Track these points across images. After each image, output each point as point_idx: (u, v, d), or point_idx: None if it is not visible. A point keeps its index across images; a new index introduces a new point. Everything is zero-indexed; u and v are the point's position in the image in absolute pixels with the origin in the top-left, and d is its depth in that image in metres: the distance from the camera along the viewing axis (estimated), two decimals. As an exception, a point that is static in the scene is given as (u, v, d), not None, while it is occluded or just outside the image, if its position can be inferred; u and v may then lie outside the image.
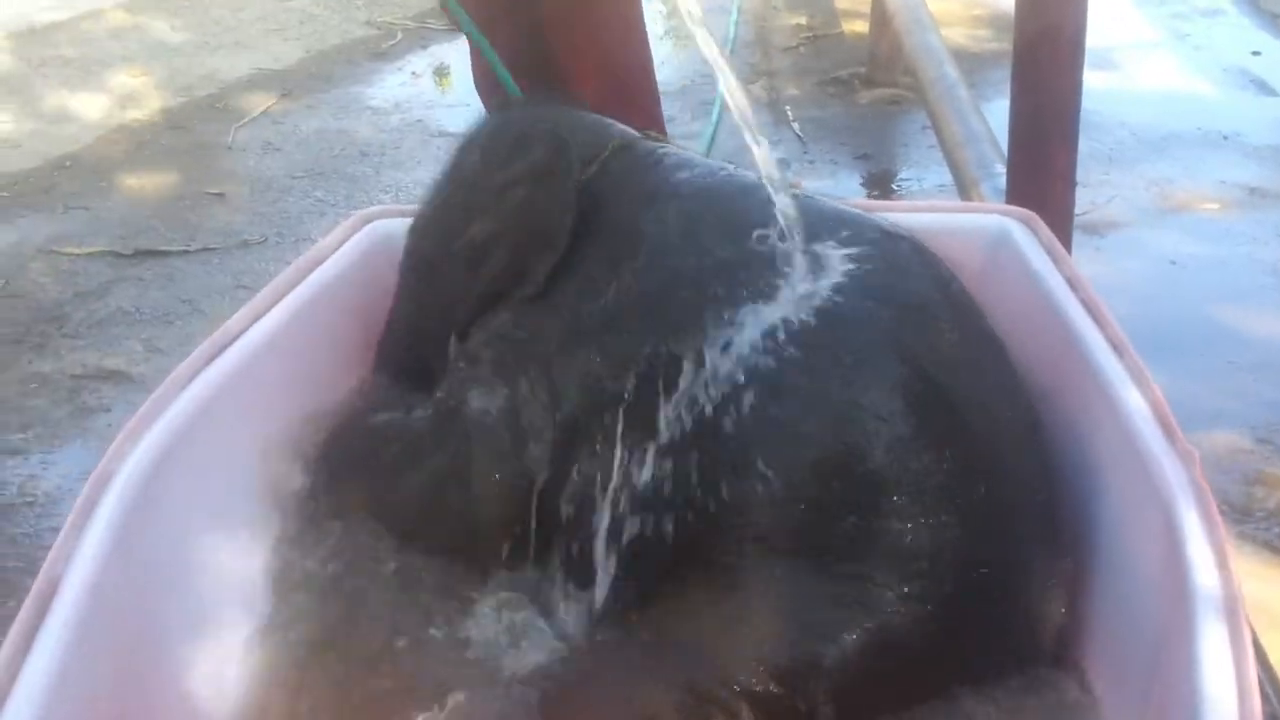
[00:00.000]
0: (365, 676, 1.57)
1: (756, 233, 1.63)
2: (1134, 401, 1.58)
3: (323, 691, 1.56)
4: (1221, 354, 3.15)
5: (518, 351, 1.74)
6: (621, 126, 2.04)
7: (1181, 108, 4.95)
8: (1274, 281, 3.52)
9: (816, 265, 1.59)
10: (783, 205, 1.63)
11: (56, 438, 3.01)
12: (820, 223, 1.67)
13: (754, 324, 1.51)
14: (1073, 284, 1.89)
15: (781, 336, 1.48)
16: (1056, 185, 2.63)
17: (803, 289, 1.55)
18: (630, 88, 2.67)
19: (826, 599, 1.37)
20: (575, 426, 1.61)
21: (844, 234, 1.66)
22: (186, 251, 3.96)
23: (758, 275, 1.58)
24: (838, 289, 1.55)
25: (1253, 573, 2.39)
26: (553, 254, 1.77)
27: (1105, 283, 3.45)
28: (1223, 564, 1.31)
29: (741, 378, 1.46)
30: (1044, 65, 2.58)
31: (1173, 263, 3.65)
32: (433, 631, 1.61)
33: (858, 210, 1.83)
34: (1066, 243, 2.62)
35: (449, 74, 5.82)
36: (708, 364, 1.48)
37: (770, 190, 1.65)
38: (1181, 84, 5.29)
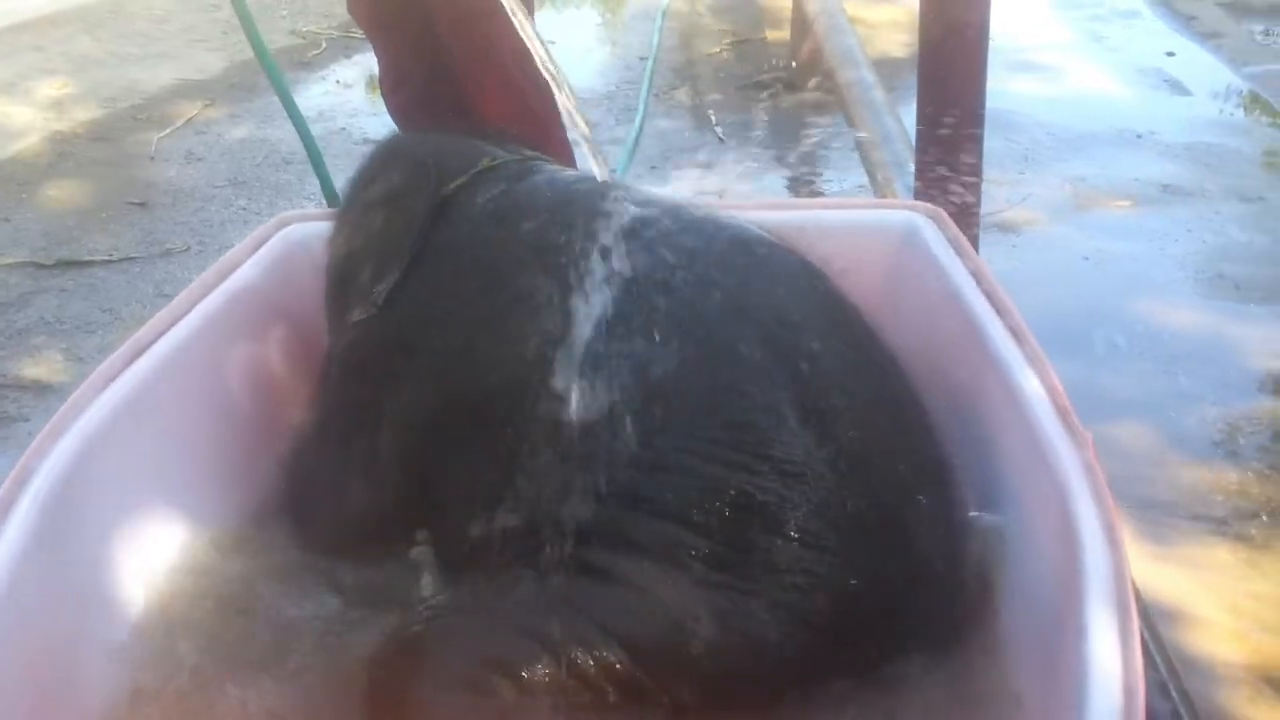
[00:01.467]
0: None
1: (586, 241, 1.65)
2: (1030, 386, 1.61)
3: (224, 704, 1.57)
4: (1132, 346, 3.20)
5: (359, 367, 1.83)
6: (497, 149, 2.05)
7: (1097, 108, 5.03)
8: (1184, 275, 3.59)
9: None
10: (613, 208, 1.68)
11: (-26, 445, 3.00)
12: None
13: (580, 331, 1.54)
14: (977, 276, 1.91)
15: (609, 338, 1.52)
16: (962, 182, 2.68)
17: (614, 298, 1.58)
18: (528, 96, 2.69)
19: (700, 600, 1.37)
20: (420, 437, 1.68)
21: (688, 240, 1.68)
22: (108, 261, 3.94)
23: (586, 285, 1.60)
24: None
25: (1157, 555, 2.43)
26: (393, 273, 1.81)
27: (1021, 278, 3.53)
28: (1112, 541, 1.34)
29: (576, 382, 1.49)
30: (948, 65, 2.63)
31: (1086, 258, 3.71)
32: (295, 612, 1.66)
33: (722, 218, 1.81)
34: (973, 237, 2.67)
35: (375, 83, 5.83)
36: (543, 372, 1.52)
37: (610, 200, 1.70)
38: (1098, 85, 5.37)
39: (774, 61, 5.81)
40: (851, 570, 1.40)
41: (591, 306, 1.55)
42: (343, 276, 1.95)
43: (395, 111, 2.97)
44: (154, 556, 1.72)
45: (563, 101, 1.96)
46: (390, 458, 1.73)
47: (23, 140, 5.07)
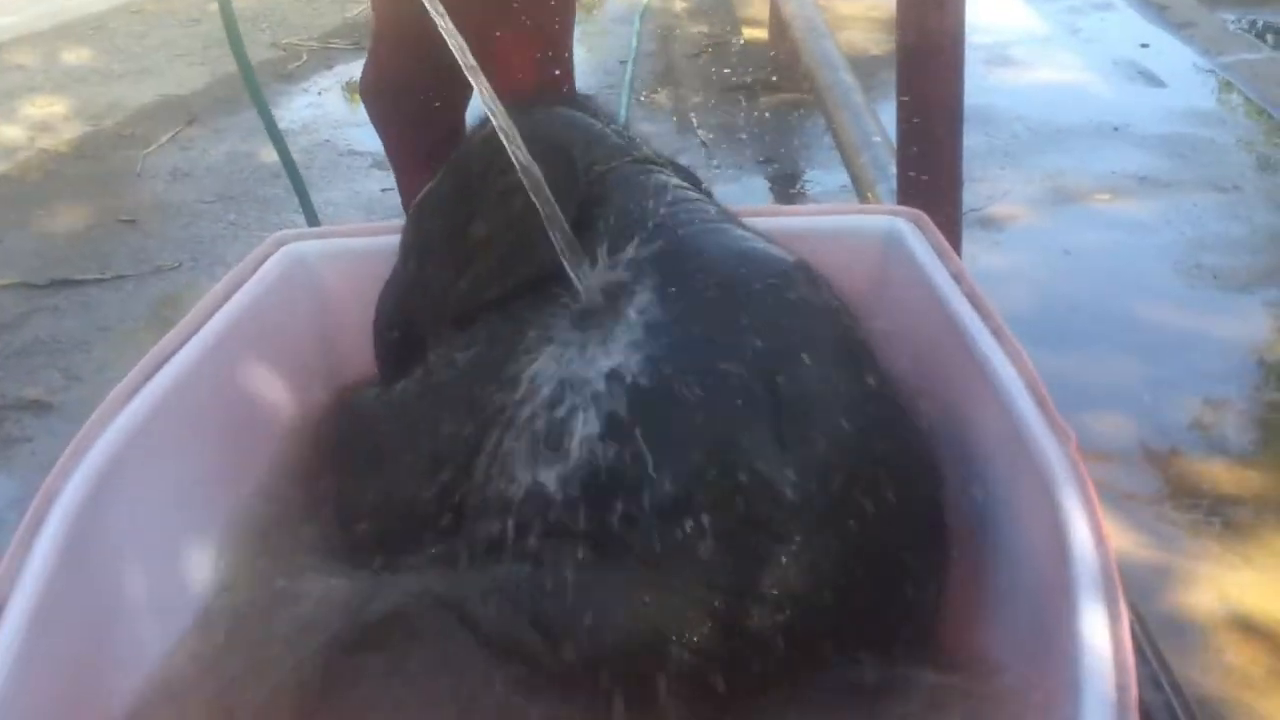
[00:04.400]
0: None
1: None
2: (1012, 383, 1.65)
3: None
4: (1112, 338, 3.24)
5: (468, 357, 1.80)
6: (620, 141, 2.05)
7: (1074, 101, 5.09)
8: (1162, 267, 3.63)
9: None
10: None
11: (-21, 469, 3.03)
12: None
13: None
14: (958, 278, 1.95)
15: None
16: (944, 183, 2.73)
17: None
18: (547, 53, 2.71)
19: (686, 600, 1.41)
20: (492, 427, 1.65)
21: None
22: (101, 280, 3.98)
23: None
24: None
25: (1144, 546, 2.48)
26: (530, 269, 1.80)
27: (1002, 274, 3.58)
28: (1099, 538, 1.37)
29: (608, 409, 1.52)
30: (926, 67, 2.68)
31: (1067, 252, 3.76)
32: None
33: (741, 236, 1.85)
34: (956, 239, 2.72)
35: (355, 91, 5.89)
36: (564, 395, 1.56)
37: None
38: (1074, 77, 5.43)
39: (753, 63, 5.86)
40: (839, 575, 1.44)
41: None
42: (465, 254, 1.94)
43: (372, 88, 2.96)
44: (174, 573, 1.76)
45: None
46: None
47: (10, 160, 5.09)
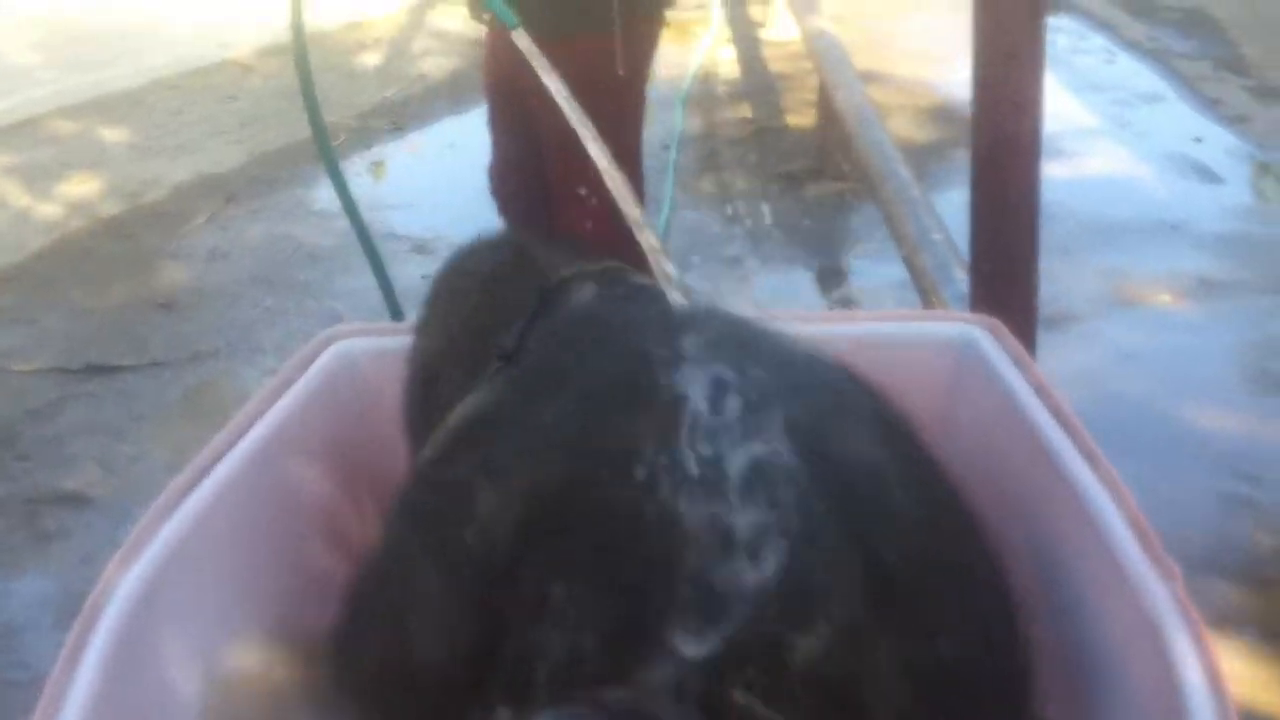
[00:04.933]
0: None
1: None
2: (1111, 516, 1.57)
3: None
4: (1180, 448, 3.16)
5: (434, 486, 1.64)
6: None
7: (1127, 196, 5.01)
8: (1228, 373, 3.55)
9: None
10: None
11: (16, 565, 2.95)
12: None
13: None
14: (1040, 392, 1.87)
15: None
16: (1019, 290, 2.64)
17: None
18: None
19: None
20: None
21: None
22: (136, 366, 3.90)
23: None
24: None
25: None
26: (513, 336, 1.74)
27: (1062, 377, 3.44)
28: (1216, 687, 1.29)
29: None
30: (1003, 173, 2.60)
31: (1128, 355, 3.66)
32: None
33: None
34: (1031, 348, 2.62)
35: (385, 170, 5.87)
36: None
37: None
38: (1126, 172, 5.34)
39: (798, 150, 5.80)
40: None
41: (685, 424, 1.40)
42: (433, 375, 1.90)
43: (499, 198, 3.10)
44: (221, 685, 1.69)
45: (631, 214, 1.92)
46: (462, 594, 1.50)
47: (44, 238, 5.04)
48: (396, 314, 2.83)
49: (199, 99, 6.89)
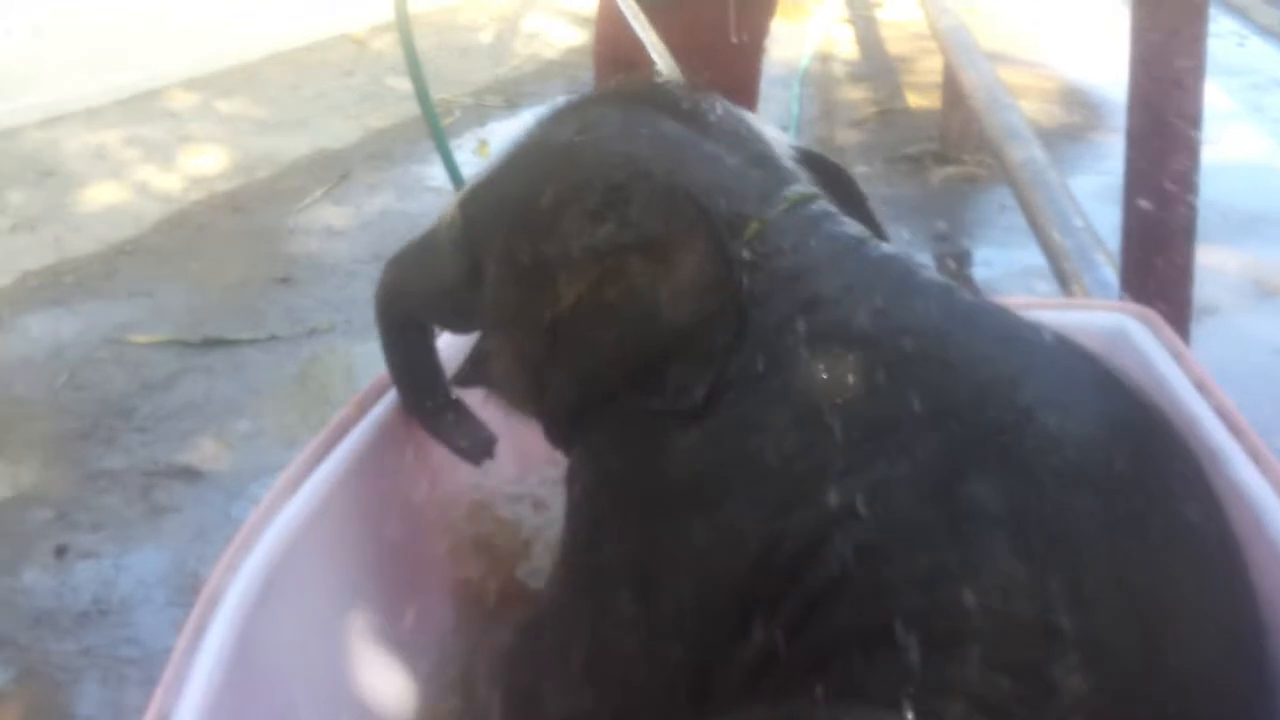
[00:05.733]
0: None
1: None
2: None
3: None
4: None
5: (624, 507, 1.44)
6: (781, 165, 1.64)
7: (1266, 183, 4.85)
8: (1382, 368, 3.39)
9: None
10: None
11: (130, 539, 2.90)
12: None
13: None
14: (1201, 387, 1.77)
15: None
16: (1174, 280, 2.52)
17: None
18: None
19: None
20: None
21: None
22: (254, 340, 3.86)
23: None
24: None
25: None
26: (708, 371, 1.39)
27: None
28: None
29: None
30: (1159, 155, 2.48)
31: (1276, 350, 3.51)
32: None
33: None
34: (1185, 340, 2.50)
35: (489, 149, 5.79)
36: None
37: None
38: (1264, 158, 5.18)
39: (920, 132, 5.66)
40: None
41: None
42: (560, 324, 1.53)
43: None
44: (337, 691, 1.65)
45: None
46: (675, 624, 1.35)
47: (162, 211, 5.03)
48: None
49: (314, 74, 6.87)
